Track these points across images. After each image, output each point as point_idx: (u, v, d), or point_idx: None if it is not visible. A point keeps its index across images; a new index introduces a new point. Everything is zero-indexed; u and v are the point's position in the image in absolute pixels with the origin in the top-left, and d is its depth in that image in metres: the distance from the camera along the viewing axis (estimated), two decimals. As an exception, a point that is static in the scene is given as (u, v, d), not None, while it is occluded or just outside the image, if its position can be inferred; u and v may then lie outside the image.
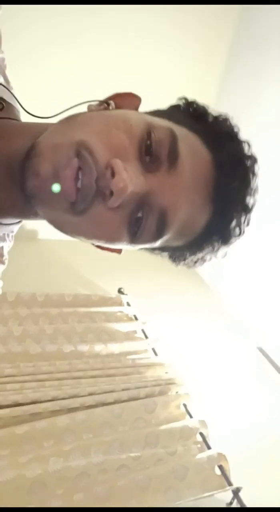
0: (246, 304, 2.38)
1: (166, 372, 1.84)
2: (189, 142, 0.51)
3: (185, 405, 1.72)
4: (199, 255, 0.57)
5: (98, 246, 0.55)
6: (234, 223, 0.53)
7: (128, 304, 2.16)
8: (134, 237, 0.50)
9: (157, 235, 0.50)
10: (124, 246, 0.52)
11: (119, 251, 0.57)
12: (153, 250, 0.58)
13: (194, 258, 0.58)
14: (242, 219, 0.53)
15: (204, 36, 2.37)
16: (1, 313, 1.78)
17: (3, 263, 0.60)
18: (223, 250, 0.56)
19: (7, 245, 0.60)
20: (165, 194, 0.48)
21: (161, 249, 0.58)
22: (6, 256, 0.61)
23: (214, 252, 0.56)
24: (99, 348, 1.83)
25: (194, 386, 1.81)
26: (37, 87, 1.87)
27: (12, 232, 0.60)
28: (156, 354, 1.94)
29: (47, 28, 1.97)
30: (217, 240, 0.55)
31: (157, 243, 0.52)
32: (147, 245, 0.54)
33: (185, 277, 2.53)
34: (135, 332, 2.01)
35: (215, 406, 1.83)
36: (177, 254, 0.58)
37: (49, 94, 1.81)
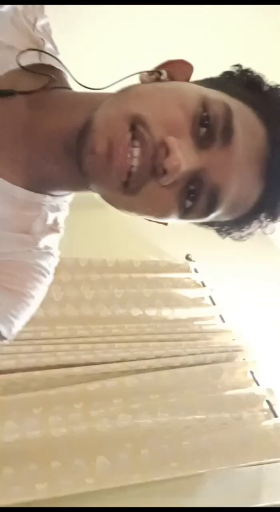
0: None
1: (234, 339, 1.84)
2: (243, 117, 0.49)
3: (252, 372, 1.71)
4: (247, 230, 0.56)
5: (147, 219, 0.55)
6: None
7: (196, 271, 2.15)
8: (185, 213, 0.50)
9: (208, 211, 0.50)
10: (174, 221, 0.52)
11: (166, 224, 0.57)
12: (201, 224, 0.58)
13: (242, 233, 0.57)
14: None
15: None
16: (74, 277, 1.87)
17: (58, 231, 0.62)
18: (272, 226, 0.55)
19: (62, 215, 0.62)
20: (217, 171, 0.47)
21: (210, 223, 0.57)
22: (61, 224, 0.62)
23: (262, 228, 0.55)
24: (166, 313, 1.86)
25: (262, 354, 1.79)
26: (87, 54, 1.83)
27: (65, 202, 0.62)
28: (223, 321, 1.94)
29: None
30: (266, 216, 0.54)
31: (207, 219, 0.52)
32: (197, 220, 0.54)
33: (257, 244, 2.45)
34: (202, 298, 2.01)
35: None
36: (225, 228, 0.58)
37: (101, 62, 1.78)
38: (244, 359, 1.75)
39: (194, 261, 2.21)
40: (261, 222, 0.55)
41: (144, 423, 1.40)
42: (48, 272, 0.61)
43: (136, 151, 0.44)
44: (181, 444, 1.38)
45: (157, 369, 1.61)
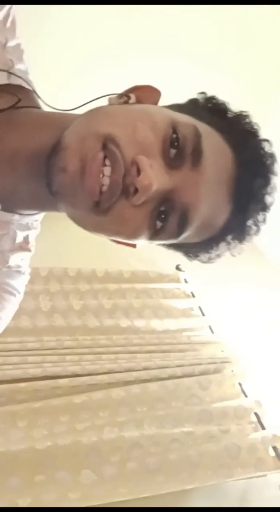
0: None
1: (222, 351, 1.83)
2: (212, 140, 0.50)
3: (240, 384, 1.70)
4: (215, 252, 0.57)
5: (113, 240, 0.55)
6: (252, 222, 0.53)
7: (186, 281, 2.15)
8: (155, 234, 0.50)
9: (178, 232, 0.50)
10: (143, 242, 0.52)
11: (134, 245, 0.57)
12: (169, 246, 0.58)
13: (210, 255, 0.57)
14: (260, 218, 0.53)
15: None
16: (62, 287, 1.87)
17: (29, 250, 0.62)
18: (239, 247, 0.56)
19: (32, 233, 0.62)
20: (187, 192, 0.48)
21: (178, 245, 0.57)
22: (32, 243, 0.62)
23: (230, 250, 0.56)
24: (155, 324, 1.86)
25: (251, 366, 1.78)
26: (57, 75, 1.84)
27: (36, 220, 0.62)
28: (212, 332, 1.93)
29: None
30: (234, 238, 0.55)
31: (177, 240, 0.52)
32: (166, 242, 0.54)
33: (246, 255, 2.45)
34: (191, 309, 2.01)
35: (272, 386, 1.79)
36: (193, 251, 0.58)
37: (69, 83, 1.78)
38: (232, 370, 1.74)
39: (184, 271, 2.21)
40: (229, 243, 0.55)
41: (131, 436, 1.38)
42: (18, 292, 0.60)
43: (107, 170, 0.44)
44: (168, 457, 1.36)
45: (144, 381, 1.60)
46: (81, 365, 1.55)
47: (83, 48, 1.94)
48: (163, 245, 0.57)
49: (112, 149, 0.44)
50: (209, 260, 0.59)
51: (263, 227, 0.54)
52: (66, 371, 1.52)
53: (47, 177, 0.47)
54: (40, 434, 1.35)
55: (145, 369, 1.63)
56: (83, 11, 1.81)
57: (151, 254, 2.30)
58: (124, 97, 0.53)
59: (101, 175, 0.44)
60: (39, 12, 1.72)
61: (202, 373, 1.69)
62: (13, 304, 0.60)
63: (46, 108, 0.57)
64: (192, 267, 2.19)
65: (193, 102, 0.56)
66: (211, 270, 2.23)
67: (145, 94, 0.54)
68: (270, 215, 0.57)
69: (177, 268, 2.24)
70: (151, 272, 2.13)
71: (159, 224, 0.49)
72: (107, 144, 0.44)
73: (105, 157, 0.44)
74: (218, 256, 0.58)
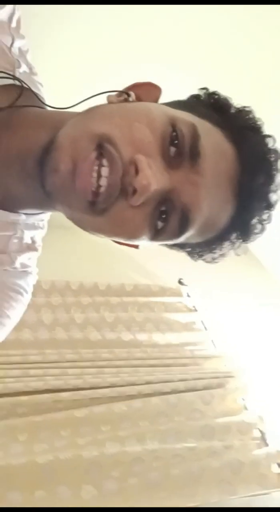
0: None
1: (225, 365, 1.82)
2: (212, 138, 0.49)
3: (243, 399, 1.69)
4: (219, 251, 0.56)
5: (116, 241, 0.54)
6: (256, 220, 0.52)
7: (188, 295, 2.15)
8: (156, 234, 0.49)
9: (179, 233, 0.50)
10: (145, 243, 0.51)
11: (137, 246, 0.56)
12: (172, 246, 0.57)
13: (214, 255, 0.57)
14: (265, 216, 0.52)
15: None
16: (64, 300, 1.86)
17: (35, 249, 0.61)
18: (244, 246, 0.55)
19: (39, 233, 0.62)
20: (188, 191, 0.47)
21: (181, 245, 0.57)
22: (39, 243, 0.62)
23: (235, 249, 0.55)
24: (157, 337, 1.85)
25: (254, 380, 1.77)
26: (57, 73, 1.85)
27: (42, 220, 0.61)
28: (215, 346, 1.92)
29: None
30: (238, 237, 0.54)
31: (178, 240, 0.52)
32: (168, 242, 0.53)
33: (248, 267, 2.46)
34: (194, 323, 2.00)
35: (275, 401, 1.77)
36: (196, 250, 0.58)
37: (71, 81, 1.79)
38: (235, 385, 1.73)
39: (186, 285, 2.21)
40: (233, 243, 0.55)
41: (133, 450, 1.36)
42: (26, 291, 0.60)
43: (105, 171, 0.43)
44: (170, 472, 1.34)
45: (147, 395, 1.59)
46: (83, 379, 1.54)
47: (85, 46, 1.97)
48: (166, 245, 0.56)
49: (109, 148, 0.43)
50: (213, 260, 0.58)
51: (265, 235, 0.54)
52: (68, 385, 1.51)
53: (40, 177, 0.47)
54: (40, 448, 1.34)
55: (147, 383, 1.61)
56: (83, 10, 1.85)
57: (154, 268, 2.31)
58: (123, 94, 0.53)
59: (95, 175, 0.43)
60: (41, 12, 1.75)
61: (205, 388, 1.68)
62: (21, 303, 0.59)
63: (48, 108, 0.57)
64: (195, 281, 2.20)
65: (194, 98, 0.56)
66: (213, 284, 2.23)
67: (145, 91, 0.53)
68: (273, 229, 0.57)
69: (180, 282, 2.24)
70: (153, 286, 2.13)
71: (160, 224, 0.48)
72: (103, 144, 0.43)
73: (101, 157, 0.43)
74: (223, 256, 0.57)
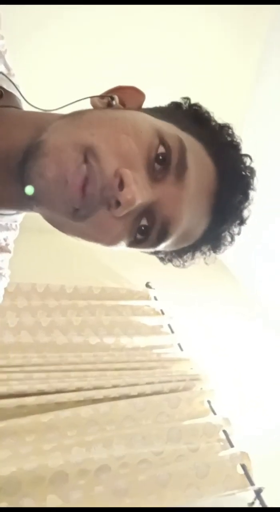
0: (277, 298, 2.32)
1: (191, 368, 1.83)
2: (195, 153, 0.50)
3: (209, 402, 1.70)
4: (190, 259, 0.59)
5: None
6: (228, 234, 0.55)
7: (155, 298, 2.16)
8: (134, 243, 0.50)
9: (157, 243, 0.51)
10: (122, 248, 0.52)
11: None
12: (145, 250, 0.58)
13: (184, 261, 0.59)
14: (236, 230, 0.55)
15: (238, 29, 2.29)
16: (30, 303, 1.83)
17: (8, 251, 0.61)
18: (213, 256, 0.58)
19: (12, 234, 0.61)
20: (170, 205, 0.48)
21: (155, 252, 0.58)
22: (11, 244, 0.61)
23: (205, 258, 0.58)
24: (124, 341, 1.84)
25: (220, 383, 1.79)
26: (38, 74, 1.84)
27: (15, 221, 0.61)
28: (181, 349, 1.94)
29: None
30: (209, 248, 0.57)
31: (155, 249, 0.53)
32: (145, 250, 0.55)
33: (214, 271, 2.50)
34: (161, 326, 2.00)
35: (240, 404, 1.80)
36: (168, 257, 0.60)
37: (52, 82, 1.78)
38: (201, 388, 1.74)
39: (153, 288, 2.22)
40: (204, 253, 0.57)
41: (99, 457, 1.34)
42: None
43: (85, 182, 0.44)
44: (137, 479, 1.33)
45: (113, 398, 1.57)
46: (48, 383, 1.51)
47: (64, 46, 1.97)
48: (141, 251, 0.58)
49: (92, 162, 0.44)
50: (183, 265, 0.60)
51: (233, 246, 0.57)
52: (33, 389, 1.47)
53: (21, 179, 0.46)
54: (4, 456, 1.29)
55: (114, 386, 1.60)
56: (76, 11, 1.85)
57: (121, 271, 2.30)
58: (107, 98, 0.52)
59: (84, 187, 0.43)
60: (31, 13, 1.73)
61: (172, 391, 1.68)
62: None
63: (28, 108, 0.56)
64: (162, 285, 2.21)
65: (175, 107, 0.56)
66: (180, 288, 2.25)
67: (129, 96, 0.53)
68: (243, 240, 0.60)
69: (147, 285, 2.25)
70: (121, 289, 2.12)
71: (139, 236, 0.49)
72: (87, 156, 0.44)
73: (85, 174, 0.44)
74: (192, 262, 0.59)
